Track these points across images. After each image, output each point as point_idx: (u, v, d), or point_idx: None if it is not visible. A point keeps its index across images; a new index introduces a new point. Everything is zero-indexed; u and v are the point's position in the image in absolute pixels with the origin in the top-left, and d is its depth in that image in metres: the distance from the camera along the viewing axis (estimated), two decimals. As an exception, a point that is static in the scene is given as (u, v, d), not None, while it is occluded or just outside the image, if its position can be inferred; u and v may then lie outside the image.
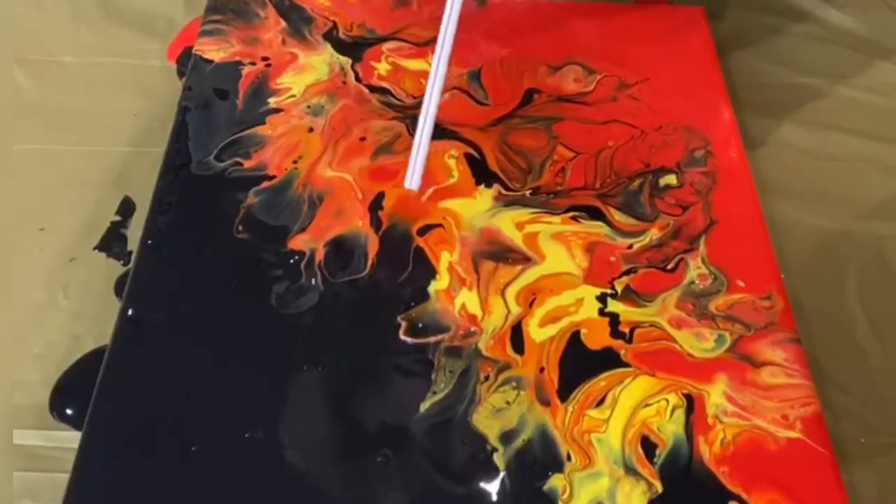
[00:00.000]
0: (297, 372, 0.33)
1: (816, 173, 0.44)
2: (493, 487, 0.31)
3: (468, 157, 0.41)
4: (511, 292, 0.36)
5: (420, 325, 0.35)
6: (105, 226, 0.40)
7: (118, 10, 0.48)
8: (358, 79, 0.44)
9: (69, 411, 0.34)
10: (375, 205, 0.39)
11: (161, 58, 0.47)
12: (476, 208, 0.39)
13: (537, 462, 0.31)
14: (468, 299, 0.36)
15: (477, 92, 0.44)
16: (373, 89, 0.44)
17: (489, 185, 0.40)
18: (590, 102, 0.44)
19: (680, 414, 0.33)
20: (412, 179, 0.36)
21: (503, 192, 0.40)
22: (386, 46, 0.46)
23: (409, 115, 0.42)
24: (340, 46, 0.45)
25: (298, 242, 0.37)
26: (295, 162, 0.40)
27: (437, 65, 0.37)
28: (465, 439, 0.32)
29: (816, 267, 0.40)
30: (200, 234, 0.37)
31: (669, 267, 0.37)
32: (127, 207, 0.40)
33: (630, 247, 0.38)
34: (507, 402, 0.33)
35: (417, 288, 0.36)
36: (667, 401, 0.33)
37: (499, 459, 0.31)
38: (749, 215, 0.39)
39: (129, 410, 0.32)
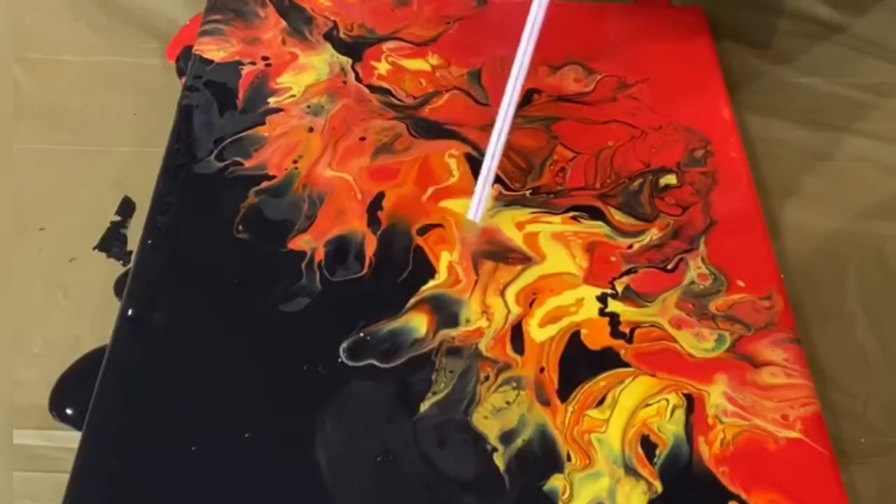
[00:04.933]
0: (297, 372, 0.33)
1: (816, 173, 0.44)
2: (493, 487, 0.31)
3: (468, 156, 0.41)
4: (511, 292, 0.36)
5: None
6: (105, 226, 0.39)
7: (118, 9, 0.48)
8: (358, 79, 0.44)
9: (69, 411, 0.34)
10: (375, 205, 0.39)
11: (161, 56, 0.47)
12: (476, 208, 0.39)
13: (537, 462, 0.31)
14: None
15: (477, 92, 0.44)
16: (373, 89, 0.43)
17: (489, 185, 0.40)
18: (590, 102, 0.44)
19: (680, 414, 0.33)
20: (476, 212, 0.38)
21: (503, 191, 0.40)
22: (386, 46, 0.46)
23: (409, 115, 0.42)
24: (341, 46, 0.45)
25: (298, 242, 0.37)
26: (295, 162, 0.40)
27: (507, 106, 0.37)
28: (465, 439, 0.32)
29: (816, 267, 0.40)
30: (200, 234, 0.37)
31: (669, 267, 0.37)
32: (127, 207, 0.40)
33: (630, 247, 0.38)
34: (507, 402, 0.33)
35: (417, 288, 0.36)
36: (667, 401, 0.33)
37: (499, 459, 0.31)
38: (749, 215, 0.39)
39: (129, 410, 0.32)
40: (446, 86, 0.44)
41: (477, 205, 0.38)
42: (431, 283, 0.36)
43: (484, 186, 0.37)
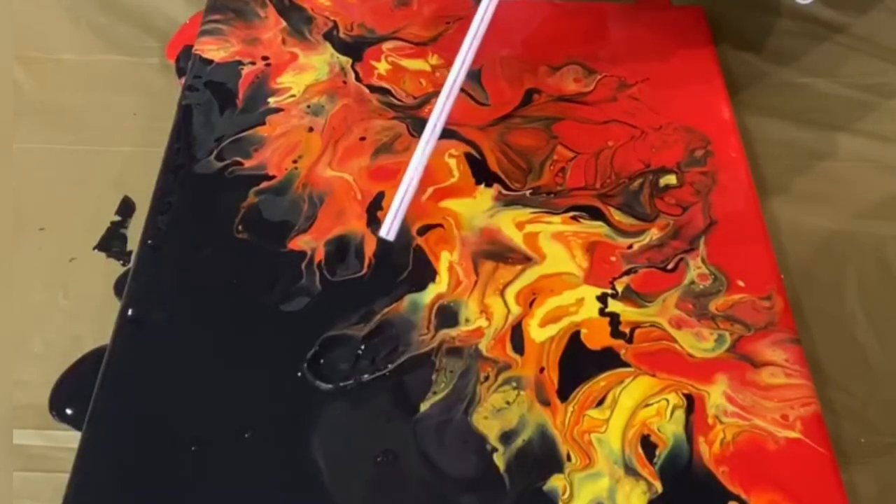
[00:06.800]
0: (296, 372, 0.33)
1: (816, 173, 0.44)
2: (493, 487, 0.31)
3: (468, 156, 0.41)
4: (511, 292, 0.36)
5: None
6: (105, 226, 0.39)
7: (117, 8, 0.48)
8: (358, 78, 0.44)
9: (69, 411, 0.34)
10: (375, 205, 0.39)
11: (160, 55, 0.47)
12: (476, 208, 0.39)
13: (537, 462, 0.32)
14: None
15: (477, 92, 0.44)
16: (373, 89, 0.43)
17: (489, 185, 0.40)
18: (590, 102, 0.44)
19: (680, 414, 0.33)
20: (390, 228, 0.35)
21: (503, 191, 0.40)
22: (386, 46, 0.46)
23: (409, 116, 0.42)
24: (341, 46, 0.45)
25: (298, 242, 0.37)
26: (295, 162, 0.40)
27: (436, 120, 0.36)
28: (465, 439, 0.32)
29: (816, 267, 0.40)
30: (200, 234, 0.37)
31: (669, 267, 0.37)
32: (127, 207, 0.40)
33: (630, 247, 0.38)
34: (507, 402, 0.33)
35: (417, 288, 0.36)
36: (667, 401, 0.33)
37: (499, 459, 0.31)
38: (749, 215, 0.39)
39: (129, 410, 0.32)
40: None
41: (391, 220, 0.35)
42: (434, 292, 0.36)
43: (402, 199, 0.35)
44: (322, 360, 0.34)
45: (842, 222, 0.42)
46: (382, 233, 0.35)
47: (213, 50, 0.45)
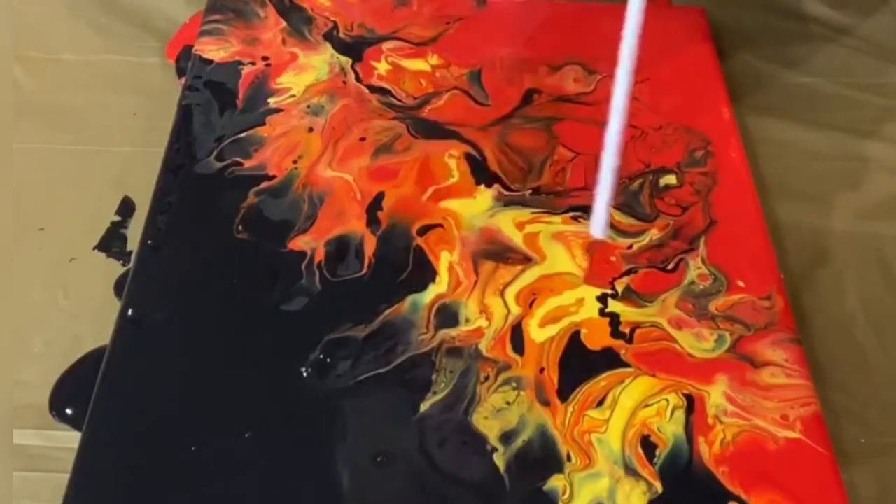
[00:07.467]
0: (296, 372, 0.33)
1: (816, 173, 0.44)
2: (493, 487, 0.31)
3: (468, 156, 0.41)
4: (511, 292, 0.36)
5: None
6: (105, 226, 0.39)
7: (117, 7, 0.48)
8: (358, 79, 0.44)
9: (69, 411, 0.34)
10: (375, 205, 0.39)
11: (160, 55, 0.47)
12: (476, 208, 0.39)
13: (537, 462, 0.31)
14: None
15: (477, 92, 0.44)
16: (373, 89, 0.43)
17: (489, 185, 0.40)
18: (590, 102, 0.44)
19: (680, 414, 0.33)
20: (600, 227, 0.36)
21: (503, 191, 0.40)
22: (386, 46, 0.46)
23: (409, 116, 0.42)
24: (341, 46, 0.45)
25: (298, 242, 0.37)
26: (295, 162, 0.40)
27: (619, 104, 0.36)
28: (465, 439, 0.32)
29: (816, 267, 0.40)
30: (200, 234, 0.37)
31: (669, 267, 0.37)
32: (127, 207, 0.40)
33: (630, 247, 0.38)
34: (507, 403, 0.33)
35: (417, 288, 0.36)
36: (667, 401, 0.33)
37: (499, 459, 0.31)
38: (749, 215, 0.39)
39: (129, 410, 0.32)
40: (446, 86, 0.44)
41: (601, 217, 0.36)
42: (434, 292, 0.36)
43: (606, 193, 0.36)
44: (323, 361, 0.34)
45: (842, 222, 0.42)
46: (595, 233, 0.36)
47: (213, 50, 0.45)
